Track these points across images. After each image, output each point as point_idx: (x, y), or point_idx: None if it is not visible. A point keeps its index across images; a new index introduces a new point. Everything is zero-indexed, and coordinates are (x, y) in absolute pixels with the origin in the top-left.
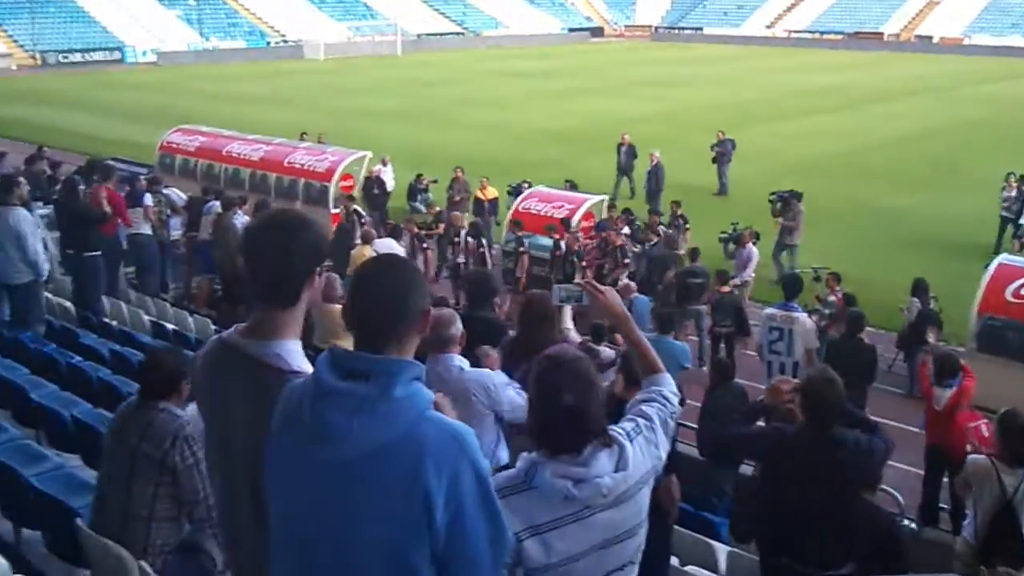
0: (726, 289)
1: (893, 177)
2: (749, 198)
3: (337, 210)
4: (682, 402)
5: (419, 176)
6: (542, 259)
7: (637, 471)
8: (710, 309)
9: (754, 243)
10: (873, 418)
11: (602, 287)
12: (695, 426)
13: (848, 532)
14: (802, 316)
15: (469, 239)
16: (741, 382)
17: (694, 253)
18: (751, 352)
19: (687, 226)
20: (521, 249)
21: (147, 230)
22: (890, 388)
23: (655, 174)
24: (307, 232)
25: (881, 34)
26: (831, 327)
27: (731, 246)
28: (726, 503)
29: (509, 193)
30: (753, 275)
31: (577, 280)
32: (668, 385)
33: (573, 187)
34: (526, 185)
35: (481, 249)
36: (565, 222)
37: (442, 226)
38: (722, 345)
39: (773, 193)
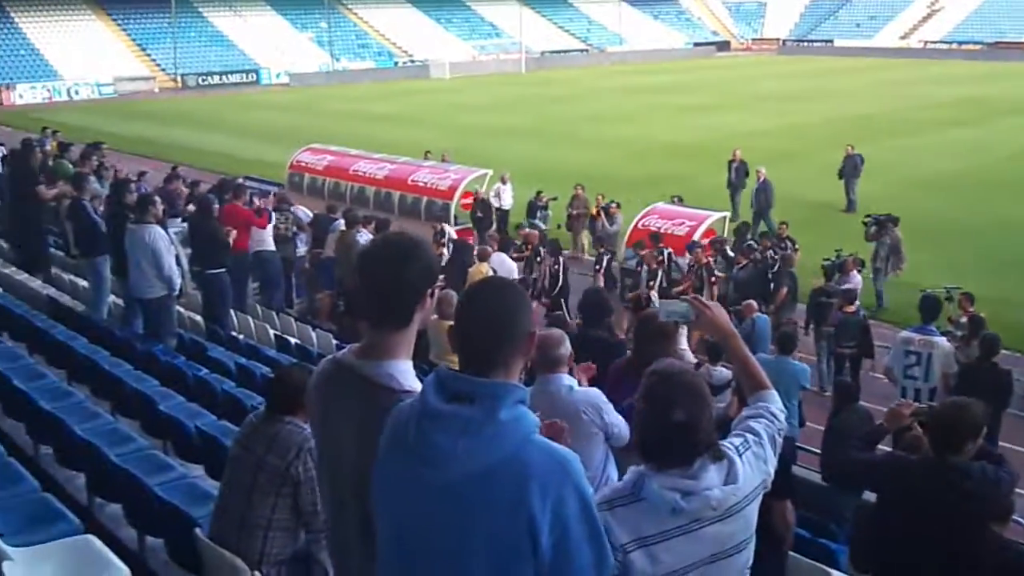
0: (851, 309)
1: None
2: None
3: (460, 227)
4: (801, 423)
5: (539, 193)
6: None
7: (747, 485)
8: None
9: (858, 271)
10: (1002, 443)
11: (708, 302)
12: (817, 450)
13: (974, 565)
14: (941, 340)
15: (548, 257)
16: (866, 404)
17: (829, 272)
18: (877, 374)
19: (796, 246)
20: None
21: (271, 247)
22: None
23: (763, 191)
24: (419, 254)
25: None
26: (958, 350)
27: (836, 275)
28: (846, 530)
29: (596, 214)
30: (858, 303)
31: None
32: (775, 402)
33: (680, 202)
34: (614, 205)
35: (556, 267)
36: (653, 237)
37: (530, 247)
38: (846, 366)
39: (868, 216)
